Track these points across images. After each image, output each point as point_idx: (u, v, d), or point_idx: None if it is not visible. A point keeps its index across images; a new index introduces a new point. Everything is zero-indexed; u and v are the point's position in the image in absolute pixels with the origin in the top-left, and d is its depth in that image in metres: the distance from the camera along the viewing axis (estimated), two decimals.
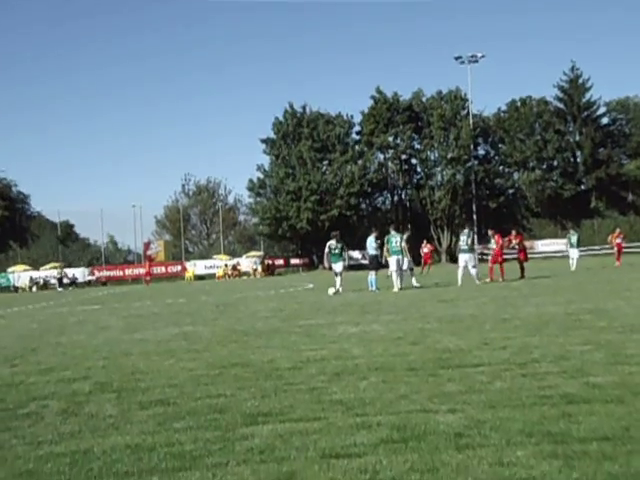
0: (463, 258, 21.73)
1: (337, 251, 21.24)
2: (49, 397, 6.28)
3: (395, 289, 19.90)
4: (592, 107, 63.66)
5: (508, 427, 4.37)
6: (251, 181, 65.51)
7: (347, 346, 8.46)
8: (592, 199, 63.29)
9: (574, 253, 29.73)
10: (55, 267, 57.79)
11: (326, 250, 21.57)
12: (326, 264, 22.06)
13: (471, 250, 22.18)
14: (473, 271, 21.27)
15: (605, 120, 65.50)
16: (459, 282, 20.92)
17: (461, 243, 22.31)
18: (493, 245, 23.55)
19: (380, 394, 5.57)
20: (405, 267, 21.47)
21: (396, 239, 20.99)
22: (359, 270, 46.40)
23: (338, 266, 21.09)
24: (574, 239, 30.19)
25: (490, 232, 24.23)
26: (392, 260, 20.76)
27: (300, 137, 63.84)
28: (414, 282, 21.68)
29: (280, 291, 25.69)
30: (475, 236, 22.67)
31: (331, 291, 20.03)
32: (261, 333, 10.52)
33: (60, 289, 52.00)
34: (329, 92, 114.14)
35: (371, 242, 22.27)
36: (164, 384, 6.56)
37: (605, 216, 61.45)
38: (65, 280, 55.17)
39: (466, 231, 22.75)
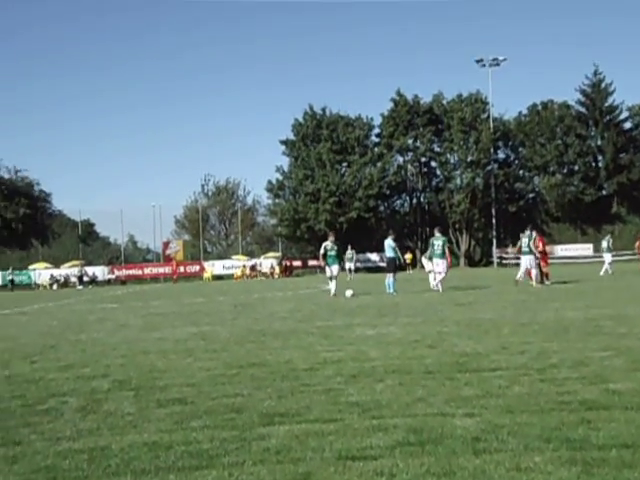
0: (525, 260, 21.89)
1: (333, 252, 20.95)
2: (68, 394, 6.34)
3: (440, 290, 20.37)
4: (614, 111, 63.00)
5: (526, 432, 4.34)
6: (270, 182, 65.62)
7: (364, 348, 8.45)
8: (613, 204, 62.64)
9: (607, 257, 29.50)
10: (75, 265, 58.26)
11: (321, 251, 21.16)
12: (322, 264, 21.57)
13: (531, 252, 21.98)
14: (533, 272, 21.56)
15: (628, 125, 64.71)
16: (520, 282, 21.25)
17: (523, 245, 22.20)
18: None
19: (397, 397, 5.55)
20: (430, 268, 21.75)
21: (438, 242, 21.35)
22: (377, 272, 46.35)
23: (334, 269, 20.83)
24: (605, 244, 29.99)
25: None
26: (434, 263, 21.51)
27: (319, 139, 63.83)
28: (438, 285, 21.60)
29: (298, 292, 25.70)
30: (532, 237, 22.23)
31: (349, 293, 19.96)
32: (278, 334, 10.55)
33: (80, 287, 52.39)
34: (349, 94, 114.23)
35: (389, 244, 22.20)
36: (182, 383, 6.60)
37: (626, 222, 60.82)
38: (85, 278, 55.62)
39: (527, 233, 22.46)
